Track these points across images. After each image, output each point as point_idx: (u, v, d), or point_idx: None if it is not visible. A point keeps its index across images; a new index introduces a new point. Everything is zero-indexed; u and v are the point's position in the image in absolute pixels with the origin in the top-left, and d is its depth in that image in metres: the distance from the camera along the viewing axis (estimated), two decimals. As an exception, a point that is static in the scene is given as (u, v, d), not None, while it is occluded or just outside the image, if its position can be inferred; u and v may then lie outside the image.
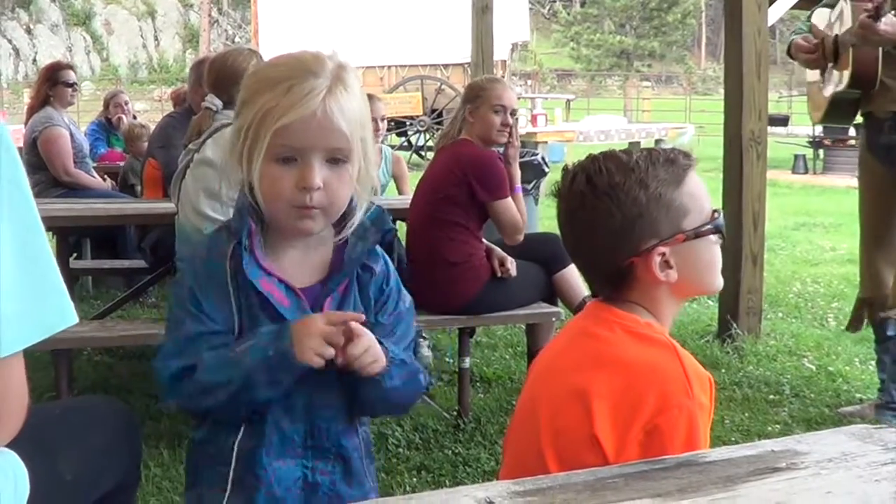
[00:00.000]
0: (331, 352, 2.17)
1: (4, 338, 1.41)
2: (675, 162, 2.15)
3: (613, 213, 2.11)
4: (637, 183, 2.10)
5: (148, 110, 35.73)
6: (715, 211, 2.19)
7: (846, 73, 4.87)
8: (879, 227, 5.15)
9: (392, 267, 2.45)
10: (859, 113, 5.12)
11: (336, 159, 2.19)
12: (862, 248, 5.31)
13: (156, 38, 57.13)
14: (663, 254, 2.12)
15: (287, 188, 2.17)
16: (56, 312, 1.48)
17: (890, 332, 5.18)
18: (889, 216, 5.12)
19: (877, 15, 4.43)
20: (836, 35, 4.96)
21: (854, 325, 5.38)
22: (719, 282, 2.26)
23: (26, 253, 1.45)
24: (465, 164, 5.13)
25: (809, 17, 5.40)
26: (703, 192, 2.19)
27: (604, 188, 2.12)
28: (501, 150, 5.37)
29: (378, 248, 2.41)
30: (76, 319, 1.49)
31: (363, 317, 2.24)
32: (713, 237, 2.18)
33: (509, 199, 5.16)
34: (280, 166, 2.17)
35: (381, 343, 2.26)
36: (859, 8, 4.68)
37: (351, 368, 2.21)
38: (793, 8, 16.33)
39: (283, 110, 2.12)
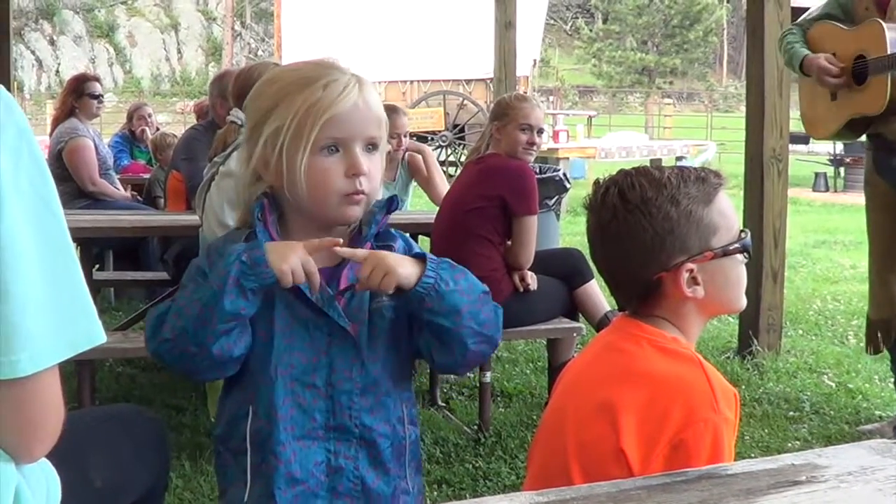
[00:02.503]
0: (302, 277, 2.22)
1: (30, 355, 1.42)
2: (705, 180, 2.18)
3: (645, 227, 2.13)
4: (669, 199, 2.13)
5: (170, 122, 35.79)
6: (742, 231, 2.22)
7: (881, 98, 4.78)
8: (892, 248, 5.11)
9: (417, 247, 2.49)
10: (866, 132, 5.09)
11: (372, 146, 2.31)
12: (873, 269, 5.27)
13: (179, 51, 57.33)
14: (691, 270, 2.15)
15: (337, 177, 2.28)
16: (83, 331, 1.50)
17: None
18: None
19: None
20: (866, 57, 4.85)
21: (873, 346, 5.35)
22: (743, 300, 2.29)
23: (55, 270, 1.46)
24: (501, 176, 5.17)
25: (805, 29, 5.29)
26: (731, 211, 2.22)
27: (636, 202, 2.14)
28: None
29: (395, 231, 2.49)
30: (104, 338, 1.51)
31: (340, 240, 2.28)
32: (740, 256, 2.21)
33: (536, 217, 5.18)
34: (326, 157, 2.26)
35: (413, 254, 2.34)
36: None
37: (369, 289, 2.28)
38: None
39: (329, 103, 2.24)
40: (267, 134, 2.27)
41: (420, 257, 2.31)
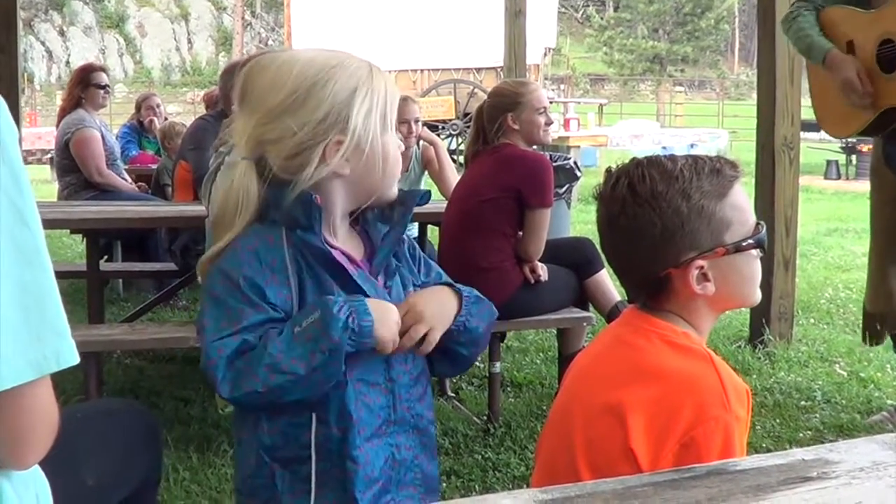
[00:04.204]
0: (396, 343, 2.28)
1: None
2: (720, 172, 2.11)
3: (654, 222, 2.07)
4: (679, 193, 2.07)
5: (180, 113, 35.83)
6: (758, 224, 2.15)
7: None
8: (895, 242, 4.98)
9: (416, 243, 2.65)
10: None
11: None
12: (873, 261, 5.16)
13: (189, 41, 57.46)
14: (701, 267, 2.09)
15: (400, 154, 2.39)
16: (51, 351, 1.43)
17: None
18: None
19: None
20: (892, 41, 4.56)
21: (871, 338, 5.27)
22: (757, 295, 2.22)
23: (25, 287, 1.40)
24: (518, 166, 5.14)
25: (818, 9, 4.91)
26: (746, 204, 2.16)
27: (646, 196, 2.08)
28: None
29: None
30: (76, 360, 1.46)
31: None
32: (754, 251, 2.15)
33: (549, 210, 5.15)
34: (393, 137, 2.34)
35: (450, 285, 2.42)
36: None
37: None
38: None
39: (395, 87, 2.35)
40: (357, 119, 2.24)
41: (453, 289, 2.40)
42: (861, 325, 5.40)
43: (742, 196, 2.15)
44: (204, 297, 2.33)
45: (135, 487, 2.43)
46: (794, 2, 5.07)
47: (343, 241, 2.36)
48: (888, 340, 5.30)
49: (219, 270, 2.28)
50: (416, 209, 2.52)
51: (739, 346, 6.66)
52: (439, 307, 2.34)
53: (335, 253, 2.29)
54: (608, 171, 2.21)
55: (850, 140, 20.04)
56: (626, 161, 2.21)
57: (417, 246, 2.53)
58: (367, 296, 2.27)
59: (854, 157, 20.76)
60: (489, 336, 2.49)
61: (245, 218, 2.29)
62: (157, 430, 2.68)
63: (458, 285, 2.43)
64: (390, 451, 2.33)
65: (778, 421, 5.26)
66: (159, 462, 2.69)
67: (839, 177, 20.75)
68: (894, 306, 5.05)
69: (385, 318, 2.22)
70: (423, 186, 7.39)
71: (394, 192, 2.37)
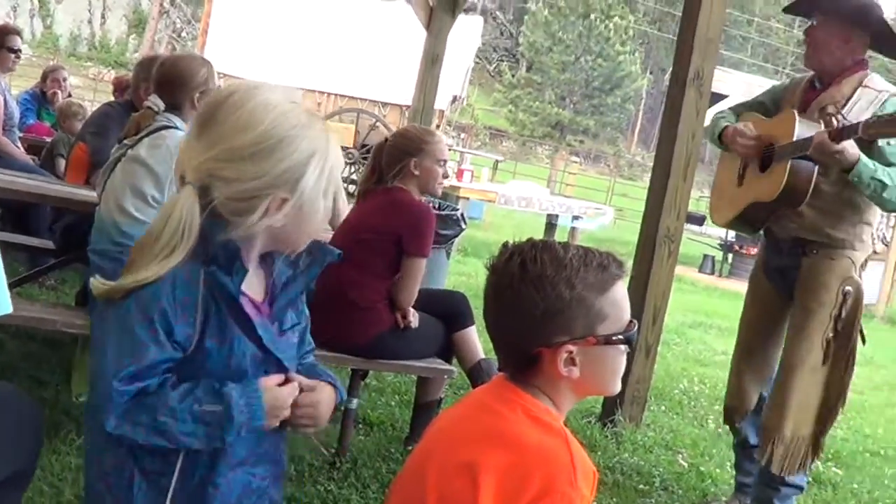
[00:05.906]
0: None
1: None
2: (606, 269, 2.25)
3: (536, 302, 2.20)
4: (565, 280, 2.19)
5: (81, 87, 35.27)
6: (631, 321, 2.29)
7: (777, 184, 4.77)
8: (753, 343, 5.32)
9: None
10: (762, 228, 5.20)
11: None
12: (734, 358, 5.46)
13: (103, 16, 56.59)
14: (571, 352, 2.22)
15: None
16: None
17: (753, 441, 5.36)
18: (765, 334, 5.28)
19: (839, 137, 4.44)
20: (773, 144, 4.88)
21: (729, 427, 5.61)
22: (617, 386, 2.36)
23: None
24: (404, 213, 5.18)
25: (737, 113, 5.36)
26: (624, 302, 2.30)
27: (534, 276, 2.21)
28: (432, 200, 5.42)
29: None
30: (9, 309, 1.51)
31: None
32: (622, 346, 2.28)
33: (425, 261, 5.24)
34: None
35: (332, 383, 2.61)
36: (810, 123, 4.71)
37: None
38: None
39: (340, 161, 2.47)
40: (308, 182, 2.35)
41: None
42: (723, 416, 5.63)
43: (621, 293, 2.29)
44: (110, 320, 2.30)
45: (7, 474, 2.42)
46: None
47: (249, 281, 2.41)
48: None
49: (136, 298, 2.27)
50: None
51: (590, 422, 6.74)
52: (328, 412, 2.54)
53: (244, 301, 2.35)
54: (504, 245, 2.33)
55: (729, 238, 20.50)
56: (524, 240, 2.33)
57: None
58: (263, 341, 2.39)
59: (730, 256, 21.19)
60: None
61: (185, 248, 2.28)
62: (41, 421, 2.68)
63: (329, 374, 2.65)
64: (248, 480, 2.43)
65: (615, 500, 5.37)
66: (36, 455, 2.68)
67: (713, 272, 21.13)
68: (744, 402, 5.33)
69: (276, 411, 2.38)
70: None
71: (302, 246, 2.48)
